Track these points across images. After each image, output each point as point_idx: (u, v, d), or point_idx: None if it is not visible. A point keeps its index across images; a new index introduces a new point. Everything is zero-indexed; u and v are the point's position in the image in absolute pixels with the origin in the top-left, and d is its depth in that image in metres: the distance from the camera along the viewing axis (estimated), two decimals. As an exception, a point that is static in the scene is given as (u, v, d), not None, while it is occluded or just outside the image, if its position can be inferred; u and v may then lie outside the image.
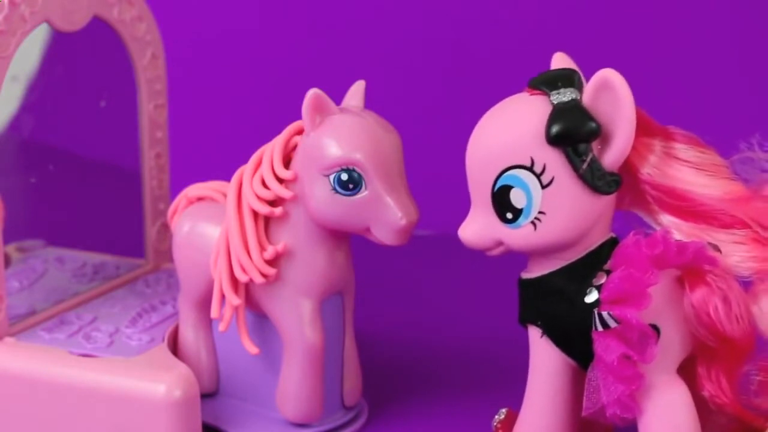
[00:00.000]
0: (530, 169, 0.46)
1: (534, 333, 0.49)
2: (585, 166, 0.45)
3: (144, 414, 0.55)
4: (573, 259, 0.48)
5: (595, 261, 0.48)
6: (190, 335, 0.60)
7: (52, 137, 0.75)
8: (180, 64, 0.81)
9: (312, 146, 0.53)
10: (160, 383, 0.55)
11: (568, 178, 0.46)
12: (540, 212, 0.46)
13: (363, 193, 0.52)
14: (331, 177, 0.52)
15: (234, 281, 0.55)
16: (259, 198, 0.54)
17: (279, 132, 0.55)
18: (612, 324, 0.45)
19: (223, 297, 0.56)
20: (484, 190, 0.47)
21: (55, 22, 0.61)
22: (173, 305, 0.66)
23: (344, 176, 0.52)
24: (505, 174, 0.47)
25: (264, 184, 0.54)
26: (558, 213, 0.46)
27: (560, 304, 0.48)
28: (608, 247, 0.48)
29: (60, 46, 0.71)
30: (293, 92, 1.00)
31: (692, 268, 0.45)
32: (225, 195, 0.57)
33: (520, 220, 0.47)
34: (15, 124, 0.75)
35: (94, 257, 0.74)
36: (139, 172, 0.70)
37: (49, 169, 0.75)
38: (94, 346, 0.59)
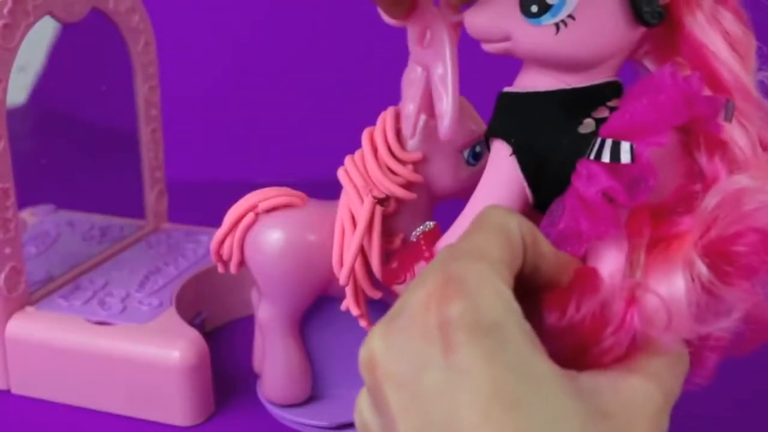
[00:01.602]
0: None
1: (501, 149, 0.35)
2: None
3: (159, 378, 0.48)
4: (573, 86, 0.34)
5: (596, 95, 0.34)
6: (282, 347, 0.48)
7: (62, 114, 0.67)
8: (170, 49, 0.72)
9: None
10: (174, 349, 0.48)
11: None
12: (570, 16, 0.32)
13: (484, 159, 0.44)
14: (466, 152, 0.44)
15: (371, 277, 0.44)
16: (397, 185, 0.43)
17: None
18: (607, 158, 0.31)
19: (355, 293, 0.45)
20: None
21: (57, 14, 0.53)
22: (175, 266, 0.58)
23: (478, 148, 0.44)
24: None
25: (392, 171, 0.43)
26: (588, 24, 0.33)
27: (547, 127, 0.34)
28: (613, 87, 0.34)
29: (66, 36, 0.62)
30: (261, 72, 0.93)
31: (705, 128, 0.32)
32: (300, 198, 0.46)
33: (545, 17, 0.33)
34: (29, 103, 0.66)
35: (101, 219, 0.66)
36: (138, 144, 0.62)
37: (59, 142, 0.67)
38: (108, 313, 0.51)
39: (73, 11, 0.54)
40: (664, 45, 0.34)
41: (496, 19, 0.34)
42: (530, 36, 0.33)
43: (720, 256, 0.30)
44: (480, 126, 0.44)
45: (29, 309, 0.51)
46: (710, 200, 0.31)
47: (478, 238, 0.29)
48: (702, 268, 0.30)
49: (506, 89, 0.35)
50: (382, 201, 0.43)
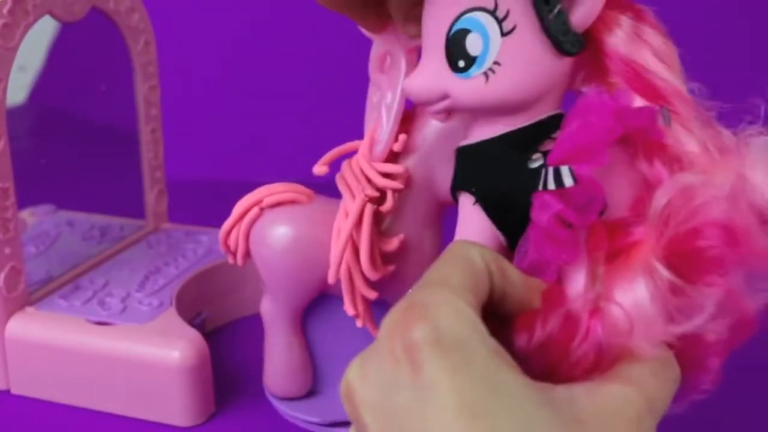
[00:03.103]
0: (492, 13, 0.34)
1: (466, 200, 0.36)
2: (551, 16, 0.34)
3: (159, 379, 0.48)
4: (518, 126, 0.35)
5: (542, 131, 0.35)
6: (282, 341, 0.48)
7: (61, 114, 0.67)
8: (170, 49, 0.71)
9: (453, 130, 0.43)
10: (174, 350, 0.47)
11: (532, 29, 0.34)
12: (495, 63, 0.34)
13: None
14: None
15: (365, 277, 0.44)
16: (388, 176, 0.43)
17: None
18: (552, 185, 0.32)
19: (352, 293, 0.45)
20: (440, 33, 0.35)
21: (56, 14, 0.53)
22: (176, 266, 0.58)
23: None
24: (465, 16, 0.34)
25: (386, 174, 0.43)
26: (514, 66, 0.34)
27: (499, 170, 0.35)
28: (557, 120, 0.35)
29: (65, 35, 0.62)
30: (263, 74, 0.93)
31: (645, 137, 0.33)
32: (307, 195, 0.46)
33: (473, 69, 0.34)
34: (29, 103, 0.66)
35: (101, 219, 0.66)
36: (138, 144, 0.62)
37: (59, 141, 0.66)
38: (108, 313, 0.51)
39: (72, 11, 0.54)
40: (598, 70, 0.35)
41: (431, 81, 0.35)
42: (464, 90, 0.35)
43: (682, 256, 0.30)
44: None
45: (29, 309, 0.51)
46: (659, 201, 0.31)
47: (440, 269, 0.30)
48: (663, 271, 0.30)
49: (461, 144, 0.37)
50: (376, 200, 0.43)
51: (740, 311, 0.31)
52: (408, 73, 0.41)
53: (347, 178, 0.43)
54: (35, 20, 0.51)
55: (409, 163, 0.43)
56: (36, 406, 0.50)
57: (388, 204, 0.43)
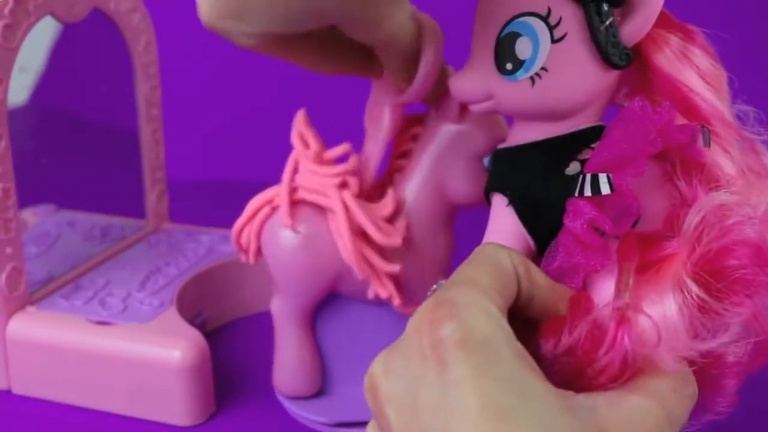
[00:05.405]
0: (545, 19, 0.34)
1: (499, 202, 0.36)
2: (603, 28, 0.34)
3: (160, 378, 0.47)
4: (559, 133, 0.36)
5: (582, 140, 0.35)
6: (292, 341, 0.48)
7: (62, 114, 0.67)
8: (171, 49, 0.71)
9: (466, 133, 0.44)
10: (174, 349, 0.47)
11: (581, 38, 0.34)
12: (542, 68, 0.34)
13: None
14: (486, 159, 0.42)
15: (379, 248, 0.44)
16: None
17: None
18: (589, 192, 0.32)
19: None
20: (490, 34, 0.35)
21: (58, 14, 0.53)
22: (176, 266, 0.58)
23: None
24: (517, 20, 0.34)
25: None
26: (560, 73, 0.34)
27: (536, 174, 0.35)
28: (597, 131, 0.35)
29: (66, 36, 0.62)
30: (267, 77, 0.93)
31: (684, 154, 0.33)
32: (322, 194, 0.46)
33: (520, 72, 0.35)
34: (30, 103, 0.66)
35: (102, 219, 0.66)
36: (138, 144, 0.62)
37: (60, 142, 0.66)
38: (109, 313, 0.51)
39: (74, 12, 0.54)
40: (642, 86, 0.36)
41: (477, 81, 0.36)
42: (509, 92, 0.35)
43: (712, 273, 0.30)
44: (506, 132, 0.44)
45: (30, 309, 0.51)
46: (692, 218, 0.31)
47: (469, 269, 0.30)
48: (693, 286, 0.30)
49: (499, 146, 0.37)
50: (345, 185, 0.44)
51: (763, 334, 0.32)
52: (390, 130, 0.43)
53: (309, 189, 0.44)
54: (36, 21, 0.51)
55: (424, 165, 0.44)
56: (37, 406, 0.50)
57: (353, 188, 0.43)
